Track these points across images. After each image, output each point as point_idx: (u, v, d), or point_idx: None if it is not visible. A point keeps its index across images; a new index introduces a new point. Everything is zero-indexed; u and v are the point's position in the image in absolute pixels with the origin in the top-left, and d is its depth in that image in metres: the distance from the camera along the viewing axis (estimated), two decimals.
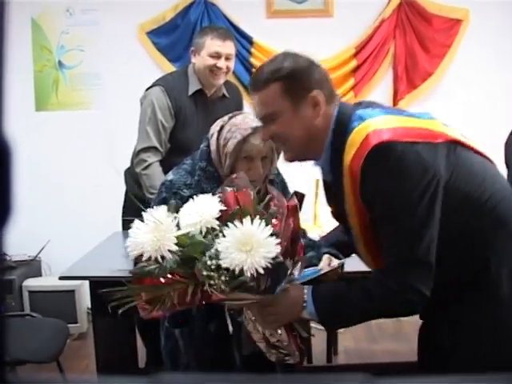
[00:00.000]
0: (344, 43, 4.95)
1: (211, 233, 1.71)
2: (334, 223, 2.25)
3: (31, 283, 4.61)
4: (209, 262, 1.64)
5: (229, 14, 4.90)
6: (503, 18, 4.90)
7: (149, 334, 3.48)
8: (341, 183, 1.86)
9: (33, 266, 4.80)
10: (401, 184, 1.77)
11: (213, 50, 3.44)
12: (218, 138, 2.17)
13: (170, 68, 4.93)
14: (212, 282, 1.62)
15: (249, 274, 1.61)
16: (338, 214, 2.03)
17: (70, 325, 3.74)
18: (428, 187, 1.76)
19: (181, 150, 3.13)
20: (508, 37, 4.91)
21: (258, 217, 1.66)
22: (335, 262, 2.19)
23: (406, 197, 1.77)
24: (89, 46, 4.99)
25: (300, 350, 1.98)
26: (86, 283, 3.22)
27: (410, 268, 1.80)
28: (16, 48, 4.77)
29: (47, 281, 4.66)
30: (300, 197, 2.00)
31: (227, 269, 1.63)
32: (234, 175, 1.94)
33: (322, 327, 2.15)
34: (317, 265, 2.20)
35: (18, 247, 4.39)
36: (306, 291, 1.88)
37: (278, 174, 2.41)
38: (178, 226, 1.73)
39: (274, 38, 4.81)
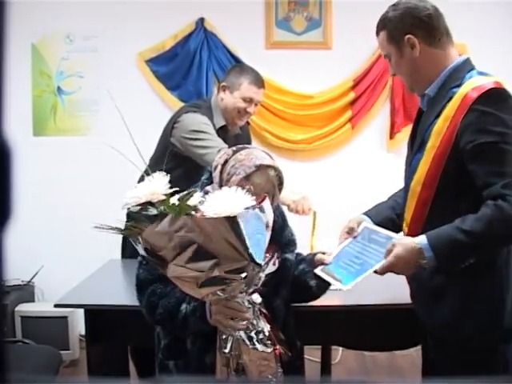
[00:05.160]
0: (342, 75, 4.98)
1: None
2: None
3: (24, 308, 4.57)
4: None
5: (228, 43, 4.93)
6: (500, 51, 4.94)
7: (142, 362, 3.46)
8: (439, 109, 2.16)
9: (26, 292, 4.77)
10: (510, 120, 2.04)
11: (248, 95, 3.49)
12: (221, 172, 2.17)
13: (169, 96, 4.95)
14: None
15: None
16: (414, 139, 2.32)
17: (61, 351, 3.71)
18: None
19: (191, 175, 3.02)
20: (505, 70, 4.94)
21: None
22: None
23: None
24: (88, 72, 5.02)
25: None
26: (79, 309, 3.20)
27: None
28: (15, 73, 4.79)
29: (40, 306, 4.62)
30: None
31: None
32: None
33: None
34: (308, 272, 2.33)
35: (11, 272, 4.37)
36: (419, 240, 2.07)
37: (278, 207, 2.40)
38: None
39: (273, 69, 4.85)
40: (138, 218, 1.85)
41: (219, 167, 2.18)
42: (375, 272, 2.18)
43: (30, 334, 4.31)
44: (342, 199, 4.92)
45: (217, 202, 1.79)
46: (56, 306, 2.86)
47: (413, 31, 2.21)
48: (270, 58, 4.93)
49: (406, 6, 2.24)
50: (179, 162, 3.44)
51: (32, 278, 4.80)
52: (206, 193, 2.16)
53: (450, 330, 2.18)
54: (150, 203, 1.85)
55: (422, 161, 2.18)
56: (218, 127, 3.51)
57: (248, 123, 3.90)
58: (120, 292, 3.10)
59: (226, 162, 2.18)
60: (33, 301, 4.84)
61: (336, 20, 4.97)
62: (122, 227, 1.94)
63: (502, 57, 4.92)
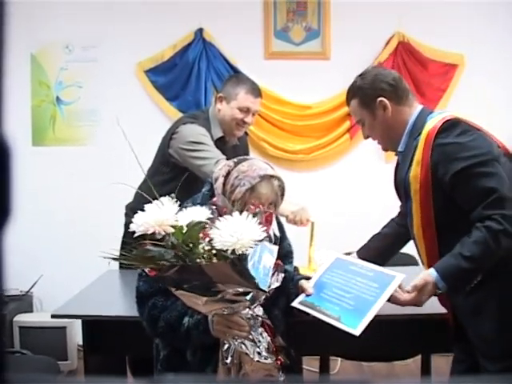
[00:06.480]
0: (341, 86, 4.96)
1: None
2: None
3: (22, 319, 4.56)
4: (204, 246, 1.79)
5: (227, 54, 4.94)
6: (497, 62, 4.95)
7: (141, 373, 3.44)
8: (411, 157, 2.35)
9: (24, 302, 4.76)
10: (469, 143, 2.24)
11: (245, 105, 3.49)
12: (224, 184, 2.17)
13: (168, 107, 4.95)
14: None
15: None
16: (400, 190, 2.51)
17: (60, 362, 3.70)
18: (488, 157, 2.22)
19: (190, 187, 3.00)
20: (502, 82, 4.96)
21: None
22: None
23: (478, 153, 2.22)
24: (87, 82, 5.02)
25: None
26: (78, 320, 3.19)
27: (496, 204, 2.16)
28: (15, 83, 4.78)
29: (38, 317, 4.60)
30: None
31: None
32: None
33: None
34: (294, 293, 2.35)
35: (9, 282, 4.35)
36: (431, 273, 2.23)
37: (276, 218, 2.40)
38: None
39: (272, 79, 4.86)
40: (142, 255, 1.85)
41: (221, 179, 2.18)
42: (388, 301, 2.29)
43: (28, 344, 4.30)
44: (341, 210, 4.92)
45: (226, 232, 1.77)
46: (53, 316, 2.85)
47: (383, 94, 2.46)
48: (268, 68, 4.94)
49: (373, 74, 2.52)
50: (177, 173, 3.44)
51: (30, 288, 4.78)
52: (214, 205, 2.17)
53: (492, 342, 2.31)
54: (154, 236, 1.83)
55: (413, 208, 2.37)
56: (216, 138, 3.50)
57: (247, 134, 3.90)
58: (118, 302, 3.09)
59: (228, 173, 2.18)
60: (31, 311, 4.83)
61: (335, 30, 4.96)
62: (120, 240, 1.94)
63: (502, 62, 4.94)
